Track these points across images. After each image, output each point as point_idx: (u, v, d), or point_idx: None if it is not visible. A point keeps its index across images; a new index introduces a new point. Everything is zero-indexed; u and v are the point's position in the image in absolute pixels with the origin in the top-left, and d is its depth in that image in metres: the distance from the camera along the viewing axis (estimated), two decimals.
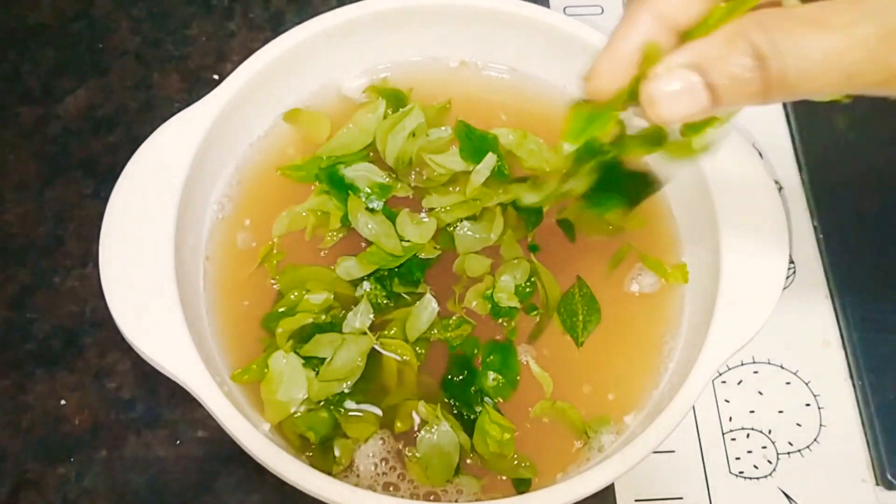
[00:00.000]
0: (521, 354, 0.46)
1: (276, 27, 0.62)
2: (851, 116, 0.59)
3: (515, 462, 0.43)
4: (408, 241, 0.47)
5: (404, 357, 0.45)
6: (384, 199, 0.48)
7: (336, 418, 0.43)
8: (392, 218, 0.47)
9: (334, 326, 0.45)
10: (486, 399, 0.44)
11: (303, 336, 0.44)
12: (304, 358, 0.43)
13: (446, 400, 0.44)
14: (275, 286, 0.47)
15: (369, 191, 0.48)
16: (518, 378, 0.45)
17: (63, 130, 0.57)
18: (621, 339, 0.47)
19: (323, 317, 0.45)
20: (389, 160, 0.49)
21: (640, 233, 0.49)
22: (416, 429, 0.43)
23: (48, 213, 0.54)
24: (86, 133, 0.57)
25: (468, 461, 0.43)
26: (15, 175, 0.56)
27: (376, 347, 0.45)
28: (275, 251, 0.48)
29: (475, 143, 0.50)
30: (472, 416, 0.44)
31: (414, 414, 0.44)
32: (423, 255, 0.47)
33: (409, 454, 0.43)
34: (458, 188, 0.49)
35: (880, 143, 0.58)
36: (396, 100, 0.51)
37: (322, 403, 0.43)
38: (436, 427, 0.43)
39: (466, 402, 0.44)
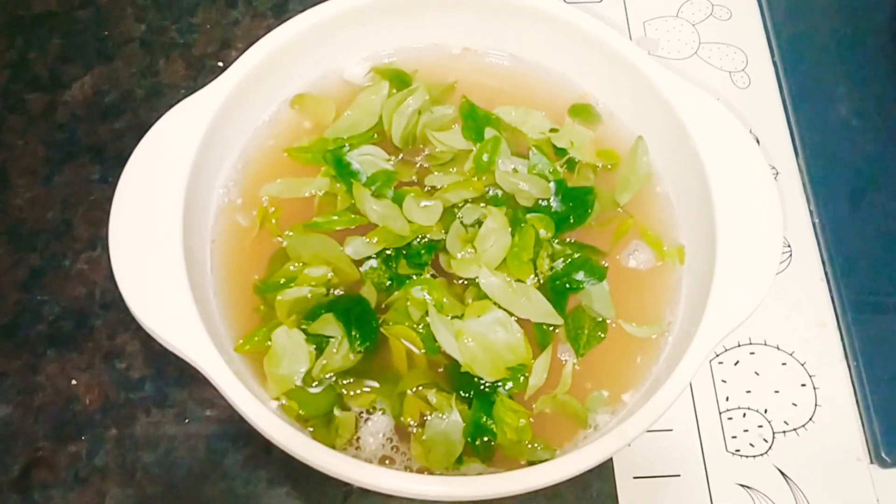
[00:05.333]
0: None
1: (280, 15, 0.62)
2: (854, 104, 0.59)
3: (532, 447, 0.43)
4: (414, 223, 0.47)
5: (409, 341, 0.45)
6: (390, 188, 0.48)
7: (336, 392, 0.43)
8: (399, 200, 0.47)
9: (334, 306, 0.44)
10: (500, 389, 0.44)
11: (303, 311, 0.44)
12: (307, 334, 0.44)
13: (462, 393, 0.44)
14: (283, 243, 0.47)
15: (374, 180, 0.48)
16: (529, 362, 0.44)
17: (70, 117, 0.58)
18: (619, 316, 0.47)
19: (323, 291, 0.45)
20: (396, 139, 0.50)
21: (639, 215, 0.50)
22: (425, 414, 0.43)
23: (57, 197, 0.55)
24: (93, 119, 0.58)
25: (476, 445, 0.43)
26: (24, 161, 0.57)
27: (381, 331, 0.45)
28: (271, 209, 0.48)
29: (478, 121, 0.50)
30: (486, 413, 0.43)
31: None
32: (430, 237, 0.47)
33: (416, 432, 0.43)
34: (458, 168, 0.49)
35: (879, 129, 0.59)
36: (400, 81, 0.52)
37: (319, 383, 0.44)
38: (446, 414, 0.43)
39: (483, 397, 0.43)
